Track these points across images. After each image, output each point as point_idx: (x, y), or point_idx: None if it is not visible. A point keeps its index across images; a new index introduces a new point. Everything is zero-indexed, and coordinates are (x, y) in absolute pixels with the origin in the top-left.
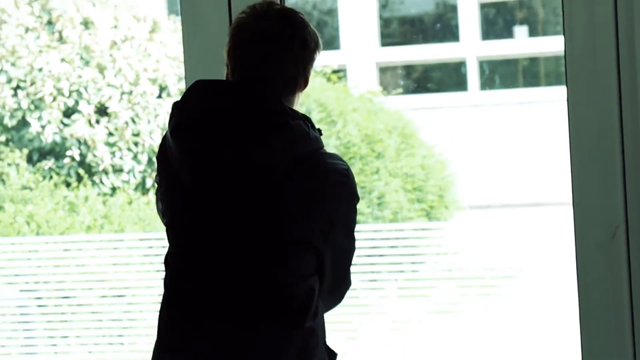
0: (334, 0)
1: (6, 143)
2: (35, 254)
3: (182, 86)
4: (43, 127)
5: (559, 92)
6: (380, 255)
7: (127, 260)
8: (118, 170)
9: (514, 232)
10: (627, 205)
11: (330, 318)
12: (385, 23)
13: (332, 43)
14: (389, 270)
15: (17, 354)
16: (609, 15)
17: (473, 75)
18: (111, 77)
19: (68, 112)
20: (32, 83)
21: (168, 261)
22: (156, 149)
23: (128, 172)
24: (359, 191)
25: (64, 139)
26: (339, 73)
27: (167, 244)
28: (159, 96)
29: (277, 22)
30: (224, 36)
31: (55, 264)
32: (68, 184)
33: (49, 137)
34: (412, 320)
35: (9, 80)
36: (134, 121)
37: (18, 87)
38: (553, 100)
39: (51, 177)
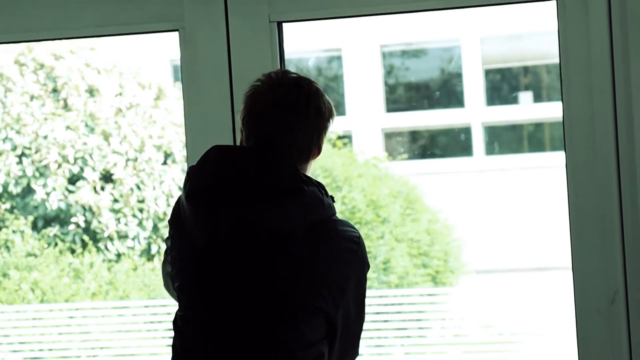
0: (339, 66)
1: (11, 210)
2: (40, 321)
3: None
4: (48, 194)
5: (564, 158)
6: (386, 321)
7: (131, 327)
8: (123, 237)
9: (519, 296)
10: (626, 270)
11: None
12: (390, 89)
13: (338, 109)
14: (395, 336)
15: None
16: (607, 81)
17: (478, 141)
18: (116, 144)
19: (73, 179)
20: (37, 150)
21: (177, 324)
22: (161, 216)
23: (133, 239)
24: None
25: (68, 205)
26: (344, 139)
27: (172, 310)
28: (164, 163)
29: (292, 91)
30: (224, 104)
31: (59, 332)
32: (73, 251)
33: (54, 204)
34: None
35: (14, 148)
36: (139, 188)
37: (23, 154)
38: (557, 166)
39: (56, 244)
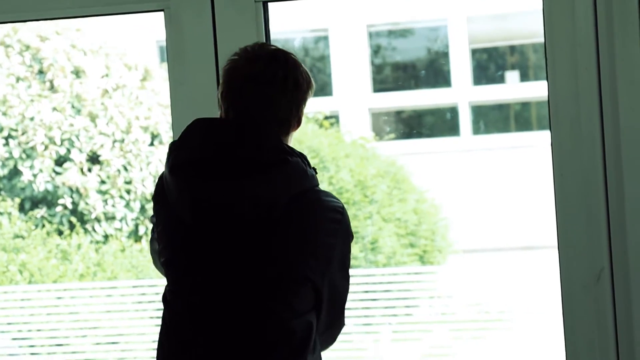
0: (326, 46)
1: None
2: (28, 302)
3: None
4: (35, 175)
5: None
6: (374, 300)
7: (120, 307)
8: (110, 218)
9: (506, 275)
10: (611, 248)
11: None
12: (377, 69)
13: (325, 89)
14: (383, 314)
15: None
16: (592, 59)
17: (465, 120)
18: (103, 125)
19: (60, 161)
20: (24, 132)
21: (167, 298)
22: (149, 197)
23: (120, 220)
24: (354, 236)
25: (55, 187)
26: (331, 119)
27: (160, 290)
28: (151, 144)
29: (269, 64)
30: (210, 84)
31: (48, 312)
32: (60, 232)
33: (40, 185)
34: None
35: (1, 130)
36: (126, 169)
37: (10, 136)
38: (544, 144)
39: (43, 226)
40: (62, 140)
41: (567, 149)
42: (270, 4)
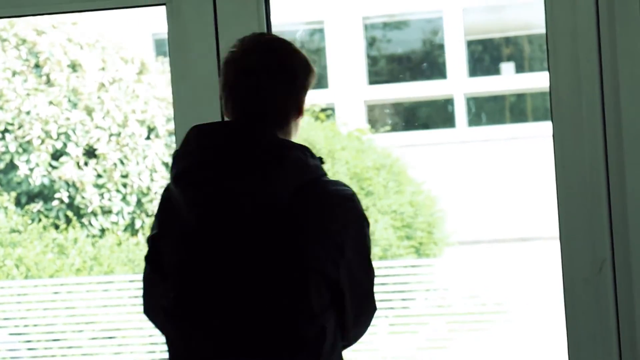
0: (321, 39)
1: None
2: (24, 297)
3: (171, 127)
4: (31, 169)
5: (546, 128)
6: None
7: (117, 302)
8: (107, 212)
9: (503, 267)
10: (613, 239)
11: None
12: (372, 61)
13: (320, 82)
14: (379, 307)
15: None
16: (593, 50)
17: (461, 112)
18: (99, 119)
19: (56, 155)
20: (20, 126)
21: (168, 309)
22: (145, 190)
23: (117, 214)
24: None
25: (52, 181)
26: (327, 111)
27: None
28: (148, 137)
29: (265, 56)
30: (212, 78)
31: (44, 307)
32: (57, 227)
33: (37, 179)
34: (403, 356)
35: None
36: (122, 163)
37: (6, 130)
38: (540, 136)
39: (40, 220)
40: (59, 134)
41: (569, 140)
42: None
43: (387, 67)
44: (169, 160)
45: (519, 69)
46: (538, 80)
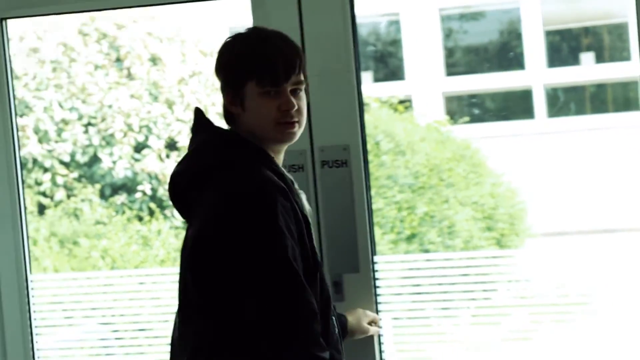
0: (397, 30)
1: (79, 179)
2: (110, 287)
3: None
4: (114, 162)
5: (628, 118)
6: (452, 284)
7: None
8: None
9: (588, 259)
10: None
11: (404, 346)
12: (449, 53)
13: (397, 74)
14: (461, 298)
15: None
16: None
17: (540, 103)
18: (180, 112)
19: (138, 148)
20: (103, 119)
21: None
22: None
23: None
24: (431, 221)
25: (135, 174)
26: (405, 103)
27: None
28: None
29: (279, 33)
30: None
31: (130, 297)
32: (140, 218)
33: (120, 172)
34: (486, 347)
35: (80, 118)
36: None
37: (89, 124)
38: (622, 127)
39: (124, 212)
40: (140, 127)
41: None
42: None
43: (464, 58)
44: None
45: (599, 59)
46: (619, 71)
